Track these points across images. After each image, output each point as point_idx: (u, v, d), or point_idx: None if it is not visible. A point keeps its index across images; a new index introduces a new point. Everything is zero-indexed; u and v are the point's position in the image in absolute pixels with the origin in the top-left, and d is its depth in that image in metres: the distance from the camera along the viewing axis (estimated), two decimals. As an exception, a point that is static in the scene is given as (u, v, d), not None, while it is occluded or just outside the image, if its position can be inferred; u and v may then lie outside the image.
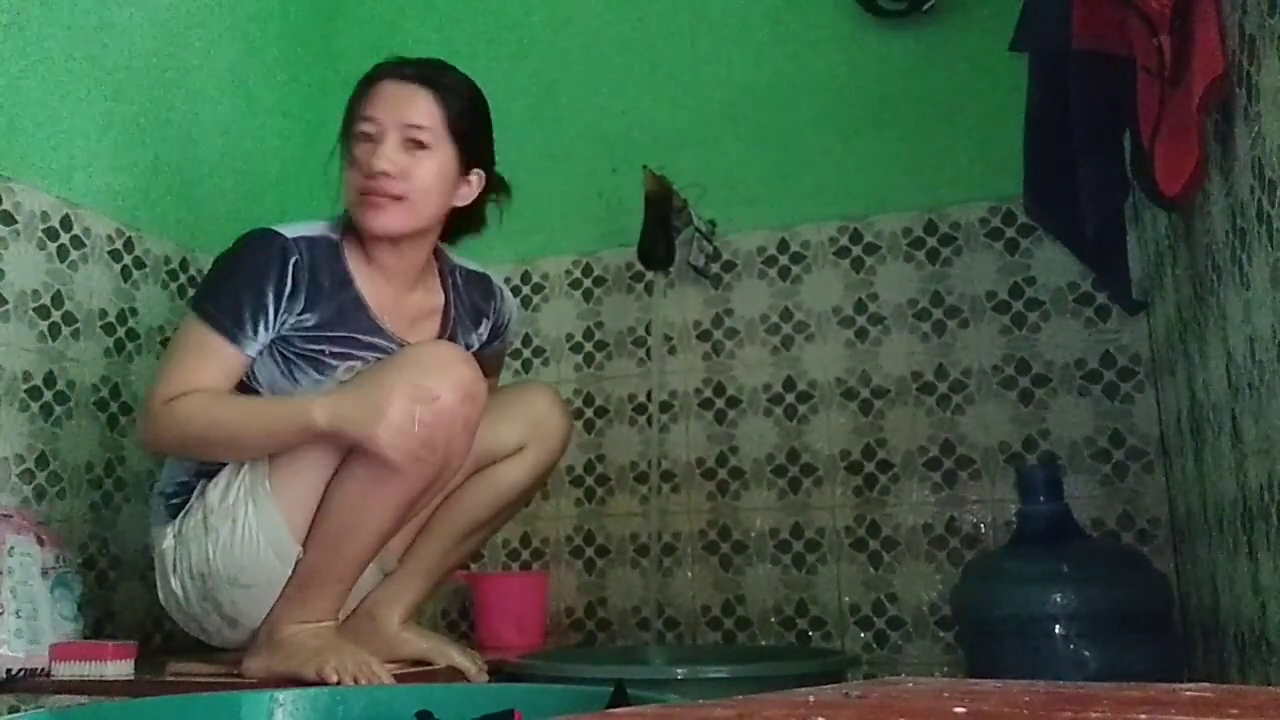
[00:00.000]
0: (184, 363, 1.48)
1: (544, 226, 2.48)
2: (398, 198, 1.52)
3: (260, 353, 1.51)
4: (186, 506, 1.54)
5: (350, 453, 1.43)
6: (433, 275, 1.68)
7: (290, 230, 1.53)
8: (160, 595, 1.58)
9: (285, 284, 1.49)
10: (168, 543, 1.54)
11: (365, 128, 1.53)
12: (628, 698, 1.07)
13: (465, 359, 1.47)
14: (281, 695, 1.19)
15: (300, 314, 1.51)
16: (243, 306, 1.47)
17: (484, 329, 1.74)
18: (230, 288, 1.49)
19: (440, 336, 1.65)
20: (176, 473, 1.58)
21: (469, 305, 1.72)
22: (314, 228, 1.57)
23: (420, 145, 1.53)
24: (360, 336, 1.55)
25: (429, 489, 1.49)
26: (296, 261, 1.50)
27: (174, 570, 1.53)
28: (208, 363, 1.47)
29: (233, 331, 1.47)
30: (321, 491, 1.46)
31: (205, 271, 2.30)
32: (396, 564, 1.66)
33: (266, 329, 1.49)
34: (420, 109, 1.54)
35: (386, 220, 1.54)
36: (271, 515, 1.46)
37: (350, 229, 1.59)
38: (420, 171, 1.54)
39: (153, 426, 1.47)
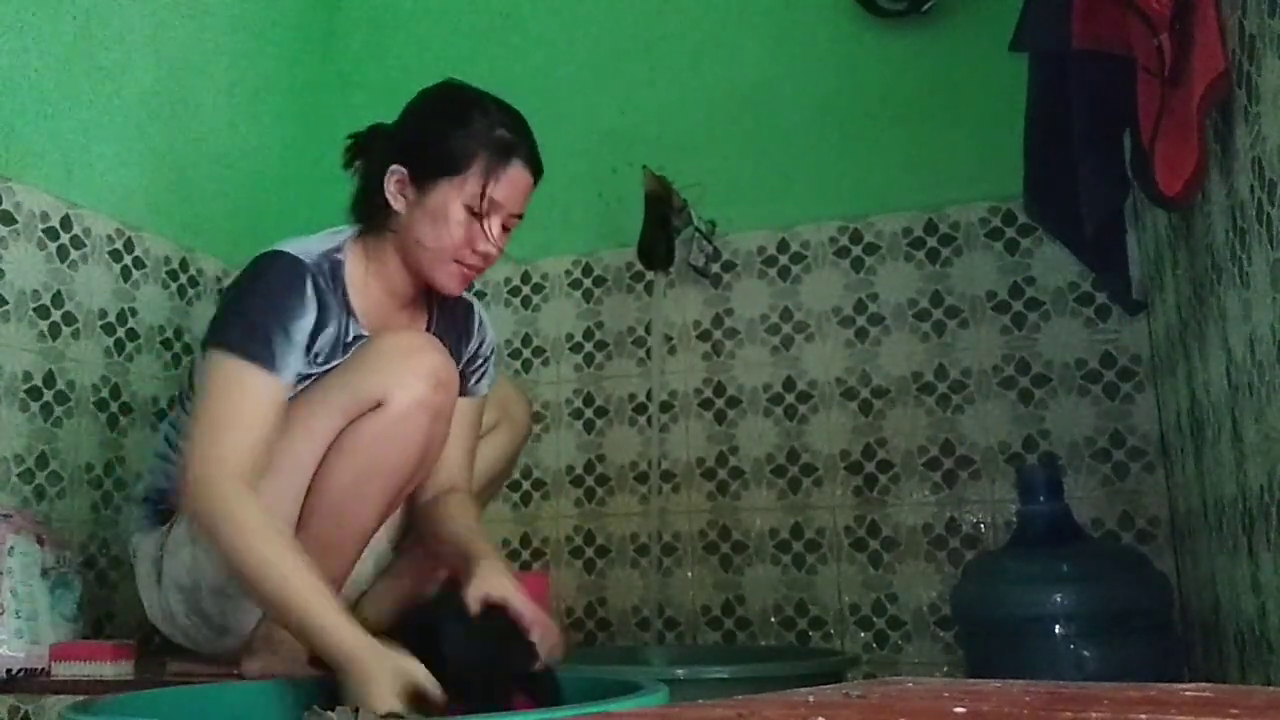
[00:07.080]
0: (228, 412, 1.35)
1: (544, 226, 2.48)
2: (480, 270, 1.52)
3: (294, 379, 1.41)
4: (174, 517, 1.50)
5: (330, 451, 1.41)
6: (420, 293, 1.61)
7: (301, 250, 1.46)
8: (145, 606, 1.54)
9: (309, 307, 1.42)
10: (155, 553, 1.51)
11: (480, 206, 1.46)
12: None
13: (436, 346, 1.45)
14: None
15: (315, 343, 1.44)
16: (274, 332, 1.38)
17: (465, 349, 1.66)
18: (257, 314, 1.39)
19: None
20: (159, 479, 1.55)
21: (450, 322, 1.65)
22: (318, 245, 1.49)
23: (508, 229, 1.52)
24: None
25: (412, 479, 1.47)
26: (316, 284, 1.44)
27: (159, 582, 1.50)
28: (252, 403, 1.35)
29: (269, 360, 1.36)
30: (304, 492, 1.42)
31: (203, 270, 2.32)
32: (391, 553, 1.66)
33: (301, 351, 1.41)
34: (527, 201, 1.53)
35: (464, 288, 1.54)
36: None
37: (356, 246, 1.52)
38: (501, 246, 1.52)
39: (207, 504, 1.31)
